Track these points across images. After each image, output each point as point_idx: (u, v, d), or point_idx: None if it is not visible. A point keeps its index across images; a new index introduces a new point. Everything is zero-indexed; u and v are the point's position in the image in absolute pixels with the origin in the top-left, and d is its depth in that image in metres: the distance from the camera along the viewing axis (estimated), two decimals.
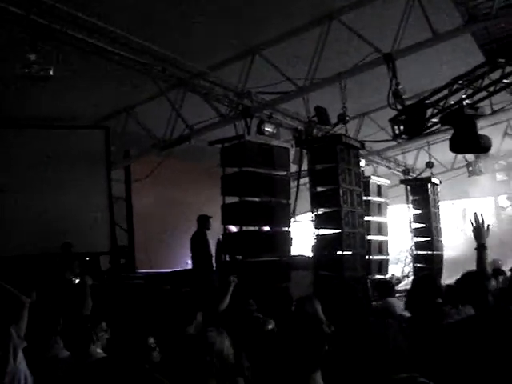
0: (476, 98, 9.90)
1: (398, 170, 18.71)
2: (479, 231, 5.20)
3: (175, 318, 6.56)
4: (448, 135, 10.16)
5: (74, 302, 6.54)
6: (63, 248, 11.70)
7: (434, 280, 5.79)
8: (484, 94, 9.90)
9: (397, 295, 8.74)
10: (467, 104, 9.75)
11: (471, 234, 5.29)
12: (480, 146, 9.70)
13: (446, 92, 10.26)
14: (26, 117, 12.53)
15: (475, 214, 5.27)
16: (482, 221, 5.24)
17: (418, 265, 17.82)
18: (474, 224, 5.24)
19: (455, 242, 18.54)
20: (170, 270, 13.58)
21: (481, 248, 5.18)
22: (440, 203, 18.81)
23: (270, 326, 6.19)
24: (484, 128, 10.61)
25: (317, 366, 3.22)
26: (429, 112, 10.34)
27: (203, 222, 12.23)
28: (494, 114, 12.25)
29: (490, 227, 5.24)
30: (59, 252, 11.65)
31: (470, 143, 9.59)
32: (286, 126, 13.08)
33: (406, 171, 18.49)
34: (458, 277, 4.96)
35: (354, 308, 4.39)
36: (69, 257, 11.64)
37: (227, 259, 11.39)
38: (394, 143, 14.49)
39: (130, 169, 14.66)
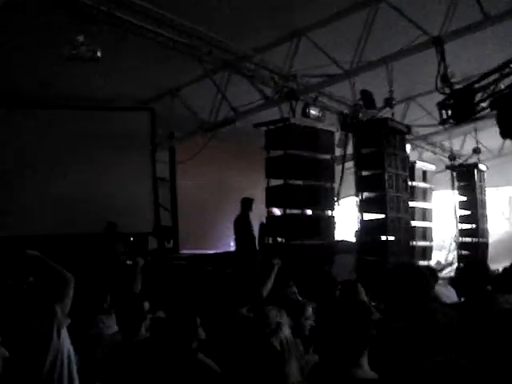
0: None
1: (444, 156, 18.42)
2: None
3: (225, 299, 6.60)
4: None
5: (125, 281, 6.61)
6: (108, 228, 11.87)
7: (485, 267, 5.68)
8: None
9: (439, 282, 8.66)
10: None
11: None
12: None
13: (496, 76, 10.06)
14: (73, 97, 12.66)
15: None
16: None
17: (463, 252, 17.60)
18: None
19: (501, 229, 18.26)
20: (213, 252, 13.66)
21: None
22: (486, 190, 18.53)
23: (310, 310, 6.18)
24: None
25: (363, 350, 3.20)
26: (478, 96, 10.16)
27: (247, 204, 12.29)
28: None
29: None
30: (104, 232, 11.84)
31: None
32: (331, 110, 12.97)
33: (452, 157, 18.18)
34: (505, 265, 4.89)
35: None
36: (114, 236, 11.83)
37: (270, 242, 11.40)
38: (441, 128, 14.26)
39: (175, 150, 14.73)
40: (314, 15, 10.48)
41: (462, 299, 5.48)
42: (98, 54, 8.49)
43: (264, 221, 12.17)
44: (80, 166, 12.97)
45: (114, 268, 9.62)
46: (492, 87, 9.92)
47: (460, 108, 10.14)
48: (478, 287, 5.00)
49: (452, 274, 11.10)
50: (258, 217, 12.76)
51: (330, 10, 10.28)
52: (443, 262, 19.37)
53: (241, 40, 10.86)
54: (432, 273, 8.79)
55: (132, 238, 12.83)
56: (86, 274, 8.72)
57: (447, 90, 10.15)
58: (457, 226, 18.10)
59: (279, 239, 11.27)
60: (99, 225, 12.22)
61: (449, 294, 7.19)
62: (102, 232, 12.06)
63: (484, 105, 10.12)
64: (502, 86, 9.77)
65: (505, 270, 5.36)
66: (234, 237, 12.80)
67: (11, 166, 12.50)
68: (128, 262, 7.98)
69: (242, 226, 12.24)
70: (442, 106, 10.49)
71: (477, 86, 10.13)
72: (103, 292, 6.61)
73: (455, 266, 16.31)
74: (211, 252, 13.69)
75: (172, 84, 12.86)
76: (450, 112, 10.43)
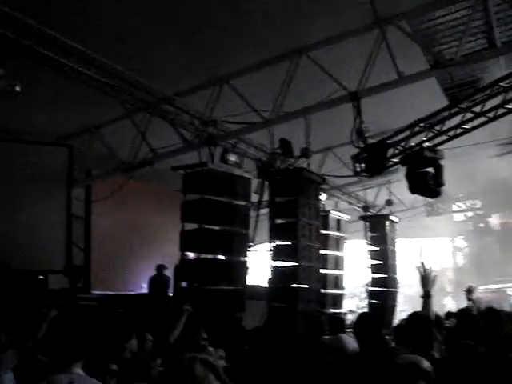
0: (436, 141, 10.12)
1: (358, 206, 18.86)
2: (426, 280, 5.34)
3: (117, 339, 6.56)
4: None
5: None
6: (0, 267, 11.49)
7: (373, 318, 5.83)
8: (445, 137, 10.11)
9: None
10: (427, 146, 9.95)
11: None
12: (433, 191, 9.92)
13: (407, 133, 10.47)
14: None
15: (422, 263, 5.42)
16: (429, 270, 5.38)
17: (373, 301, 17.93)
18: (421, 272, 5.38)
19: (411, 280, 18.71)
20: (125, 293, 13.49)
21: (426, 296, 5.33)
22: (398, 240, 19.05)
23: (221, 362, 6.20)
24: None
25: None
26: (390, 152, 10.54)
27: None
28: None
29: (436, 277, 5.38)
30: None
31: (425, 186, 9.80)
32: (249, 156, 13.13)
33: (365, 207, 18.64)
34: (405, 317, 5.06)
35: (291, 345, 4.43)
36: (8, 275, 11.45)
37: (184, 286, 11.36)
38: (356, 179, 14.63)
39: (91, 188, 14.55)
40: (237, 63, 10.67)
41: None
42: (17, 88, 8.37)
43: (178, 264, 12.11)
44: None
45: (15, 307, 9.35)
46: (403, 143, 10.33)
47: (373, 162, 10.47)
48: (371, 339, 5.11)
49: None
50: (172, 259, 12.71)
51: (253, 58, 10.49)
52: (355, 309, 19.68)
53: (163, 83, 10.91)
54: (340, 322, 8.95)
55: (41, 276, 12.48)
56: None
57: (362, 144, 10.47)
58: (368, 275, 18.43)
59: (192, 283, 11.22)
60: (8, 259, 11.85)
61: (354, 343, 7.31)
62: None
63: (396, 160, 10.51)
64: (413, 144, 10.19)
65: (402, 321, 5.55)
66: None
67: None
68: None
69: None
70: (355, 159, 10.82)
71: (389, 141, 10.53)
72: None
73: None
74: (124, 293, 13.51)
75: (92, 122, 12.75)
76: (363, 165, 10.75)
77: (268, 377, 3.38)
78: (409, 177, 9.97)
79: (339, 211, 16.63)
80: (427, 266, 5.40)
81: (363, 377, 4.27)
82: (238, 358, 4.01)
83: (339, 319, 9.39)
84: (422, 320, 4.95)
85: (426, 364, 3.63)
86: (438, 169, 9.98)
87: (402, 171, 11.90)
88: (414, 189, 10.08)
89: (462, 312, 7.04)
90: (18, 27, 8.35)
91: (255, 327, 8.15)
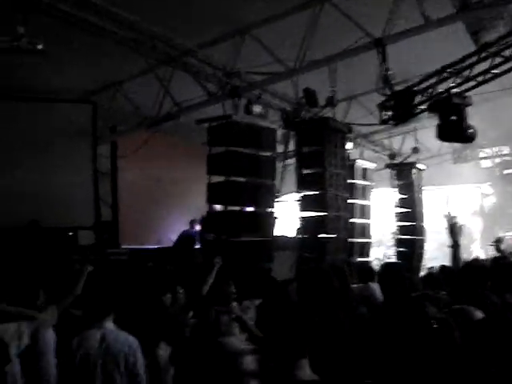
0: (464, 87, 9.94)
1: (384, 154, 18.72)
2: (454, 230, 5.31)
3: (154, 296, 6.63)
4: (435, 121, 10.23)
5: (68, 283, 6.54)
6: (30, 226, 11.63)
7: (397, 268, 5.78)
8: (473, 83, 9.93)
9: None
10: (455, 93, 9.79)
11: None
12: (466, 136, 9.77)
13: (434, 80, 10.29)
14: (13, 89, 12.40)
15: (449, 213, 5.38)
16: (457, 220, 5.34)
17: (400, 249, 17.95)
18: (449, 223, 5.35)
19: (439, 228, 18.67)
20: (154, 247, 13.62)
21: (454, 246, 5.30)
22: (425, 188, 18.95)
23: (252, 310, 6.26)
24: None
25: (303, 353, 3.26)
26: (417, 98, 10.38)
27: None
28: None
29: (463, 226, 5.34)
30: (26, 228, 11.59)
31: (456, 132, 9.66)
32: (274, 107, 13.03)
33: (391, 155, 18.50)
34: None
35: (328, 298, 4.43)
36: (38, 233, 11.61)
37: (211, 238, 11.41)
38: (381, 127, 14.49)
39: (117, 144, 14.59)
40: (258, 13, 10.50)
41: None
42: (40, 46, 8.31)
43: (203, 216, 12.17)
44: (19, 157, 12.70)
45: (50, 264, 9.48)
46: (430, 90, 10.17)
47: (400, 109, 10.34)
48: (394, 291, 5.08)
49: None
50: (199, 212, 12.77)
51: (276, 8, 10.31)
52: (382, 257, 19.74)
53: (185, 35, 10.80)
54: (370, 270, 8.97)
55: (71, 233, 12.63)
56: (16, 268, 8.62)
57: (388, 92, 10.34)
58: (395, 224, 18.42)
59: (219, 236, 11.27)
60: (37, 217, 12.00)
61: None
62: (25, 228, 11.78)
63: (423, 107, 10.36)
64: (440, 90, 10.02)
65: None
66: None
67: None
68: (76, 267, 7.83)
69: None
70: (382, 106, 10.69)
71: (416, 88, 10.36)
72: (36, 288, 6.50)
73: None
74: (152, 247, 13.64)
75: (115, 78, 12.71)
76: (390, 113, 10.63)
77: (303, 329, 3.38)
78: (439, 124, 9.84)
79: (365, 160, 16.52)
80: (455, 217, 5.37)
81: (390, 328, 4.26)
82: (270, 309, 4.01)
83: (368, 268, 9.43)
84: (476, 270, 4.90)
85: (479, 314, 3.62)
86: (463, 115, 9.83)
87: (427, 118, 11.83)
88: (443, 136, 9.94)
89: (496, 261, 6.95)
90: None
91: (287, 278, 8.23)
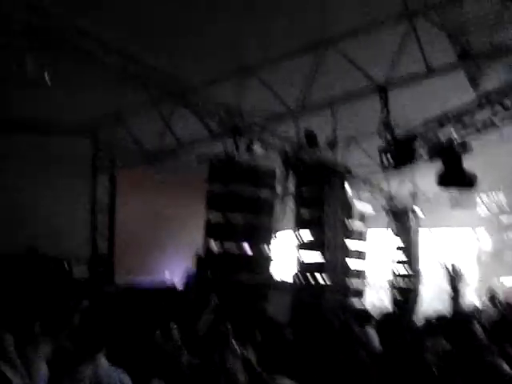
0: (464, 133, 10.03)
1: (380, 197, 18.73)
2: (454, 278, 5.29)
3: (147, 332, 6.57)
4: (432, 166, 10.31)
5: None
6: (29, 252, 11.59)
7: (397, 320, 5.81)
8: (472, 129, 10.02)
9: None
10: (455, 139, 9.87)
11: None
12: (466, 182, 9.83)
13: (435, 125, 10.37)
14: (15, 120, 12.44)
15: (452, 265, 5.36)
16: (457, 269, 5.33)
17: (396, 292, 17.90)
18: (449, 272, 5.33)
19: (435, 272, 18.64)
20: (149, 283, 13.54)
21: (455, 294, 5.28)
22: (421, 231, 18.98)
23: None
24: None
25: None
26: (417, 144, 10.45)
27: None
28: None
29: (465, 276, 5.33)
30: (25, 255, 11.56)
31: (456, 179, 9.72)
32: (274, 147, 13.07)
33: (388, 198, 18.53)
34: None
35: (327, 340, 4.42)
36: (36, 261, 11.56)
37: (207, 275, 11.37)
38: (379, 170, 14.53)
39: (115, 178, 14.59)
40: (263, 53, 10.59)
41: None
42: (46, 76, 8.37)
43: (201, 253, 12.12)
44: (20, 184, 12.70)
45: (46, 296, 9.41)
46: (431, 136, 10.24)
47: (400, 154, 10.39)
48: (394, 343, 5.09)
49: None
50: (194, 248, 12.74)
51: (280, 49, 10.40)
52: (376, 301, 19.65)
53: (189, 72, 10.88)
54: (367, 315, 8.93)
55: (66, 264, 12.56)
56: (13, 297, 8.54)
57: (388, 136, 10.40)
58: (391, 266, 18.38)
59: (216, 273, 11.24)
60: (34, 244, 11.96)
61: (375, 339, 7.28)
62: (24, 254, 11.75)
63: (422, 153, 10.43)
64: (441, 136, 10.10)
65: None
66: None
67: None
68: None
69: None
70: (382, 151, 10.74)
71: (417, 133, 10.43)
72: (32, 319, 6.44)
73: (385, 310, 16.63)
74: (147, 283, 13.56)
75: (116, 112, 12.75)
76: (389, 157, 10.68)
77: (305, 370, 3.37)
78: (441, 171, 9.91)
79: (363, 202, 16.54)
80: (455, 265, 5.35)
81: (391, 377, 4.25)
82: (270, 349, 4.00)
83: (364, 312, 9.39)
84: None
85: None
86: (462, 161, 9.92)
87: (425, 163, 11.87)
88: (443, 182, 10.00)
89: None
90: (46, 16, 8.37)
91: (283, 321, 8.17)
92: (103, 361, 4.75)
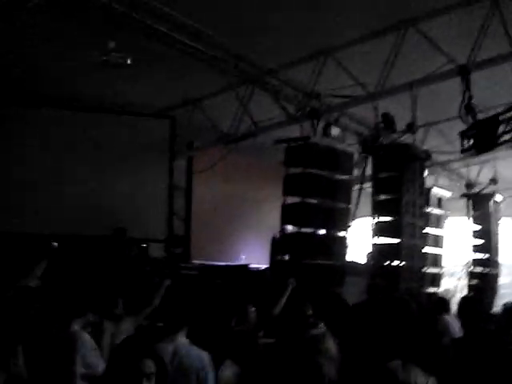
0: None
1: (460, 183, 18.34)
2: None
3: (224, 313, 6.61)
4: None
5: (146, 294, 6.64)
6: (116, 234, 11.86)
7: (476, 306, 5.64)
8: None
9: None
10: None
11: None
12: None
13: None
14: (96, 101, 12.73)
15: None
16: None
17: (474, 281, 17.51)
18: None
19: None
20: (224, 264, 13.66)
21: None
22: (502, 220, 18.48)
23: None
24: None
25: None
26: (501, 128, 10.14)
27: None
28: None
29: None
30: (112, 237, 11.84)
31: None
32: (351, 130, 12.95)
33: (469, 185, 18.10)
34: None
35: (407, 327, 4.33)
36: (124, 242, 11.85)
37: (282, 259, 11.38)
38: (458, 155, 14.21)
39: (193, 160, 14.75)
40: (342, 35, 10.47)
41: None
42: (129, 61, 8.53)
43: (277, 236, 12.13)
44: (98, 169, 13.02)
45: (128, 274, 9.64)
46: None
47: (482, 139, 10.12)
48: (474, 325, 4.97)
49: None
50: (272, 232, 12.75)
51: (359, 31, 10.27)
52: (453, 289, 19.27)
53: (267, 55, 10.87)
54: (445, 302, 8.76)
55: (145, 245, 12.82)
56: (97, 276, 8.78)
57: (470, 120, 10.12)
58: (469, 255, 18.00)
59: (291, 257, 11.22)
60: (112, 228, 12.23)
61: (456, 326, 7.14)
62: (111, 236, 12.04)
63: (506, 137, 10.10)
64: None
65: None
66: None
67: (32, 164, 12.55)
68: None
69: None
70: (464, 135, 10.46)
71: (500, 118, 10.11)
72: (115, 297, 6.59)
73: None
74: (222, 264, 13.69)
75: (194, 94, 12.87)
76: (471, 142, 10.41)
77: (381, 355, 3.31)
78: None
79: (441, 188, 16.23)
80: None
81: (471, 362, 4.13)
82: (345, 333, 3.95)
83: (443, 300, 9.22)
84: None
85: None
86: None
87: (507, 148, 11.52)
88: None
89: None
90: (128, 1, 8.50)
91: (361, 303, 8.10)
92: (184, 339, 4.80)
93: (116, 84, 11.49)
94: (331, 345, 3.93)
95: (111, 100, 12.78)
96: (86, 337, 5.34)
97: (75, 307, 5.40)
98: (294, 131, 11.87)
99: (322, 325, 6.04)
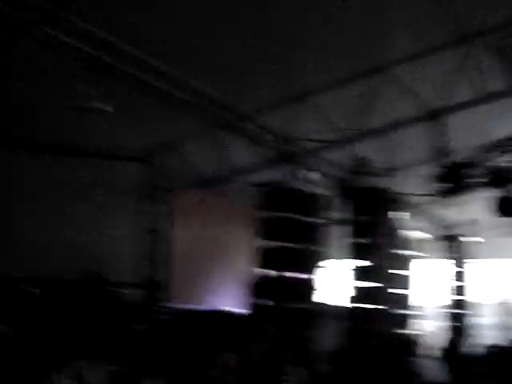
0: None
1: (436, 225, 18.49)
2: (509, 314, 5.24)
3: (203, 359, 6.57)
4: (485, 194, 10.20)
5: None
6: (94, 278, 11.74)
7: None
8: None
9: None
10: None
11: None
12: None
13: (492, 152, 10.21)
14: (72, 145, 12.71)
15: (506, 298, 5.30)
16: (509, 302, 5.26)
17: (449, 323, 17.65)
18: (505, 307, 5.27)
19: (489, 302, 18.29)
20: (203, 309, 13.57)
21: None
22: (474, 261, 18.70)
23: None
24: None
25: None
26: (474, 171, 10.30)
27: None
28: None
29: None
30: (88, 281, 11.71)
31: None
32: (328, 174, 13.03)
33: (445, 226, 18.28)
34: None
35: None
36: (102, 287, 11.72)
37: (263, 303, 11.35)
38: (435, 198, 14.34)
39: (172, 203, 14.73)
40: (316, 81, 10.59)
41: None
42: (109, 108, 8.61)
43: (257, 281, 12.10)
44: (75, 212, 12.93)
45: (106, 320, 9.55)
46: (490, 163, 10.08)
47: (457, 181, 10.26)
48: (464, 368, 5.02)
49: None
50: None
51: (333, 76, 10.39)
52: (427, 331, 19.32)
53: (243, 100, 10.96)
54: (415, 345, 8.79)
55: (125, 290, 12.69)
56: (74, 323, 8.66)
57: (444, 163, 10.27)
58: (445, 296, 18.14)
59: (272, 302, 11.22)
60: (88, 273, 12.09)
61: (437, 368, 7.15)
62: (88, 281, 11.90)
63: (480, 180, 10.26)
64: (500, 163, 9.93)
65: None
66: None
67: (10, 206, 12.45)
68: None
69: None
70: (439, 177, 10.60)
71: (473, 161, 10.28)
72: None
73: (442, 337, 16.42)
74: (201, 309, 13.59)
75: (172, 138, 12.90)
76: (446, 184, 10.54)
77: None
78: (500, 198, 9.75)
79: (416, 230, 16.35)
80: (510, 299, 5.28)
81: None
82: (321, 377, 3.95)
83: (414, 343, 9.27)
84: None
85: None
86: None
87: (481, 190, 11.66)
88: (504, 210, 9.83)
89: None
90: (102, 46, 8.59)
91: (339, 348, 8.11)
92: None
93: (93, 128, 11.48)
94: None
95: (91, 144, 12.76)
96: None
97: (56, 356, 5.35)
98: (270, 175, 11.93)
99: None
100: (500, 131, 10.49)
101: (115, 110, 9.09)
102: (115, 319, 10.01)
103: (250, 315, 11.86)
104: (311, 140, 11.52)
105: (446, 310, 18.04)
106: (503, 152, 10.01)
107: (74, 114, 9.08)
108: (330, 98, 10.75)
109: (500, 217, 10.39)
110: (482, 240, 18.32)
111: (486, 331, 17.87)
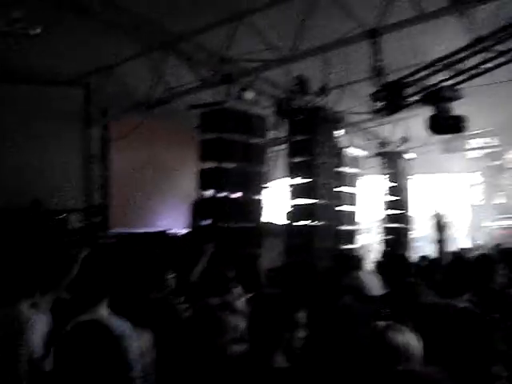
0: (456, 80, 10.02)
1: (374, 142, 18.81)
2: (440, 227, 5.43)
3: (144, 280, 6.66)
4: (425, 111, 10.39)
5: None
6: (33, 206, 11.67)
7: (405, 259, 5.93)
8: (465, 76, 10.00)
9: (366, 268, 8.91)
10: (447, 85, 9.88)
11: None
12: (457, 127, 9.89)
13: (427, 72, 10.36)
14: (6, 71, 12.35)
15: (436, 211, 5.50)
16: (443, 217, 5.46)
17: (387, 236, 18.18)
18: (436, 219, 5.47)
19: (425, 217, 18.85)
20: (143, 231, 13.66)
21: (440, 242, 5.44)
22: (413, 177, 19.19)
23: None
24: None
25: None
26: (409, 90, 10.46)
27: None
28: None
29: (450, 223, 5.48)
30: (29, 209, 11.64)
31: (447, 124, 9.77)
32: (266, 94, 13.05)
33: (382, 143, 18.59)
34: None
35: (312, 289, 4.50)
36: (41, 215, 11.66)
37: (202, 223, 11.49)
38: (371, 116, 14.52)
39: (108, 128, 14.58)
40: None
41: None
42: (37, 31, 8.32)
43: (194, 201, 12.23)
44: (10, 139, 12.68)
45: (46, 247, 9.54)
46: (422, 82, 10.26)
47: (392, 100, 10.42)
48: (399, 279, 5.21)
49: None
50: (186, 196, 12.82)
51: None
52: (368, 245, 19.91)
53: (179, 21, 10.78)
54: (357, 260, 9.06)
55: (62, 216, 12.64)
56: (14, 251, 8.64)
57: (380, 82, 10.40)
58: (384, 211, 18.62)
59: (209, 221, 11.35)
60: (25, 199, 12.00)
61: (373, 282, 7.38)
62: (27, 208, 11.82)
63: (414, 99, 10.45)
64: (432, 82, 10.11)
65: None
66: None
67: None
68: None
69: None
70: (375, 96, 10.75)
71: (408, 80, 10.43)
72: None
73: (379, 250, 16.97)
74: (141, 231, 13.67)
75: (108, 61, 12.65)
76: (382, 103, 10.71)
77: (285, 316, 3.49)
78: (431, 116, 9.97)
79: (355, 147, 16.62)
80: (441, 214, 5.48)
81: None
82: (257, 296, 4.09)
83: (355, 257, 9.52)
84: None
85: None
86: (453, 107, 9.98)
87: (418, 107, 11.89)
88: (434, 128, 10.07)
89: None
90: None
91: (275, 266, 8.31)
92: (104, 310, 4.80)
93: (26, 53, 11.16)
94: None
95: (22, 70, 12.41)
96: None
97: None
98: (209, 96, 11.87)
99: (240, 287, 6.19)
100: (434, 51, 10.61)
101: (47, 34, 8.86)
102: (57, 246, 10.05)
103: (188, 234, 12.04)
104: (248, 60, 11.47)
105: (382, 225, 18.56)
106: (436, 71, 10.14)
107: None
108: (266, 18, 10.69)
109: (432, 134, 10.66)
110: (415, 156, 18.83)
111: (419, 244, 18.66)
